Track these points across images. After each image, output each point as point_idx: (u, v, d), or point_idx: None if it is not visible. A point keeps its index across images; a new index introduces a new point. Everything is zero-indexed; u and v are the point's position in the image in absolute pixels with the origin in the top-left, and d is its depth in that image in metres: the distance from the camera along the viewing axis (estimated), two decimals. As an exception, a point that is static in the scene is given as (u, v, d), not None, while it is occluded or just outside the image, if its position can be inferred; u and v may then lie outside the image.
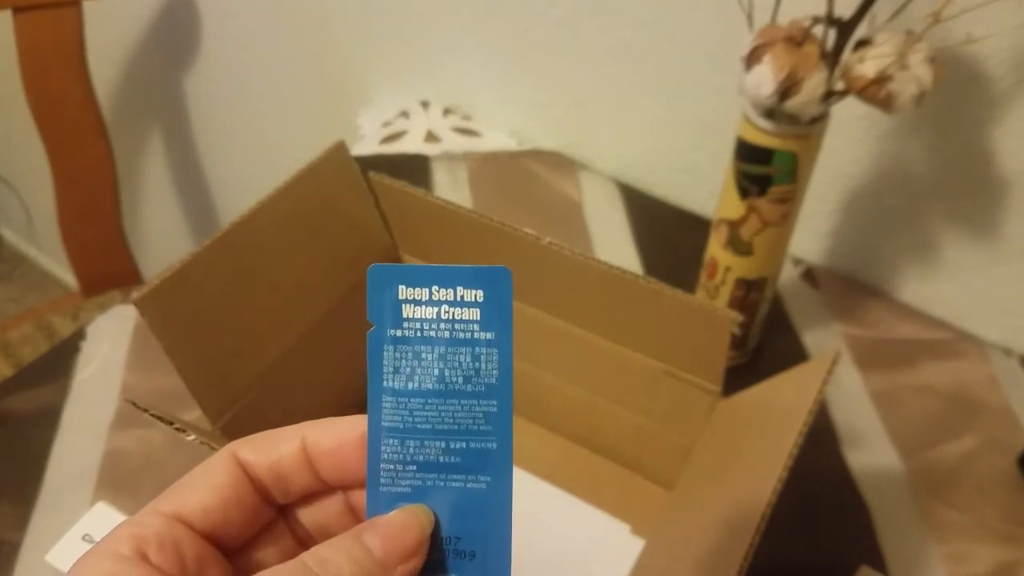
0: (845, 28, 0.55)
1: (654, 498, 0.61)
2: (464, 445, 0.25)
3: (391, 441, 0.26)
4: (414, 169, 0.89)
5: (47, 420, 0.66)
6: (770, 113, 0.56)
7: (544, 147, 0.93)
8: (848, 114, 0.71)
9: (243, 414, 0.53)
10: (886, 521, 0.61)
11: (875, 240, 0.77)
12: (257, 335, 0.54)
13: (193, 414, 0.63)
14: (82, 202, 1.13)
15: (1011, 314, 0.74)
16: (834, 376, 0.70)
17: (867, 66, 0.53)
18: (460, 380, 0.26)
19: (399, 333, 0.26)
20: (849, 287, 0.78)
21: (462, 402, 0.26)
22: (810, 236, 0.80)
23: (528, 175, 0.89)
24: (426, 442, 0.25)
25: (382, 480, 0.25)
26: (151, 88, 1.30)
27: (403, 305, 0.26)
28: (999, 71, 0.64)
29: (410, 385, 0.26)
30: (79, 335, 0.72)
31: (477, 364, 0.26)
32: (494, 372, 0.26)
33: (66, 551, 0.48)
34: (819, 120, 0.57)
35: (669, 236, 0.82)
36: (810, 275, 0.79)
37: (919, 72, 0.53)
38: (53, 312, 1.13)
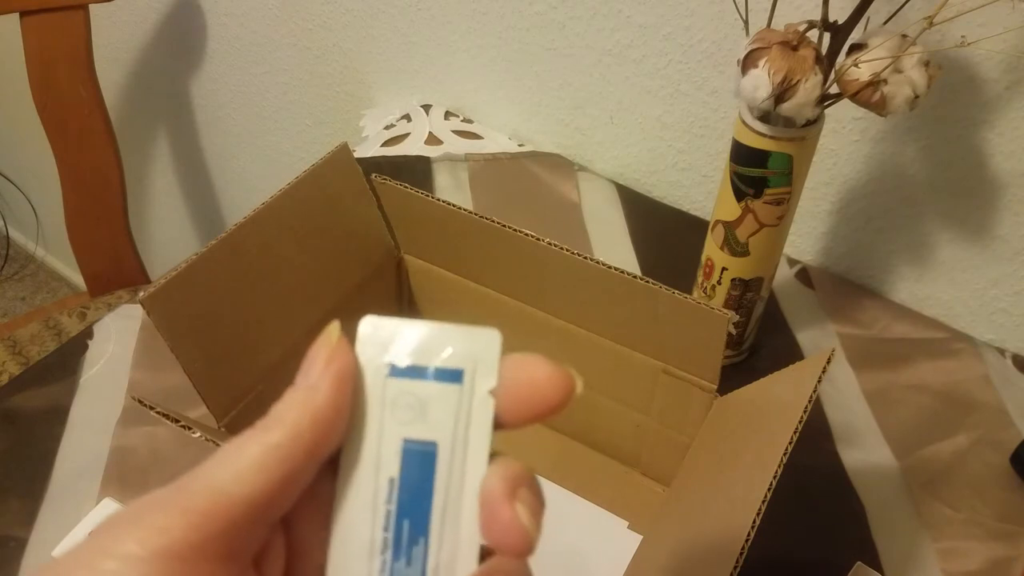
0: (840, 32, 0.56)
1: (651, 494, 0.62)
2: None
3: None
4: (416, 171, 0.89)
5: (55, 417, 0.66)
6: (765, 116, 0.57)
7: (544, 149, 0.94)
8: (844, 116, 0.72)
9: (248, 412, 0.54)
10: (880, 518, 0.62)
11: (870, 240, 0.78)
12: (261, 334, 0.54)
13: (198, 412, 0.64)
14: (89, 203, 1.14)
15: (1004, 314, 0.74)
16: (829, 375, 0.71)
17: (861, 69, 0.54)
18: None
19: None
20: (844, 287, 0.79)
21: None
22: (806, 236, 0.81)
23: (528, 176, 0.90)
24: None
25: None
26: (157, 90, 1.31)
27: None
28: (993, 74, 0.65)
29: None
30: (86, 334, 0.73)
31: None
32: None
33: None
34: (814, 123, 0.58)
35: (666, 237, 0.83)
36: (805, 275, 0.80)
37: (913, 75, 0.54)
38: (61, 311, 1.14)
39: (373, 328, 0.24)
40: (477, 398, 0.24)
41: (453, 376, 0.24)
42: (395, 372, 0.24)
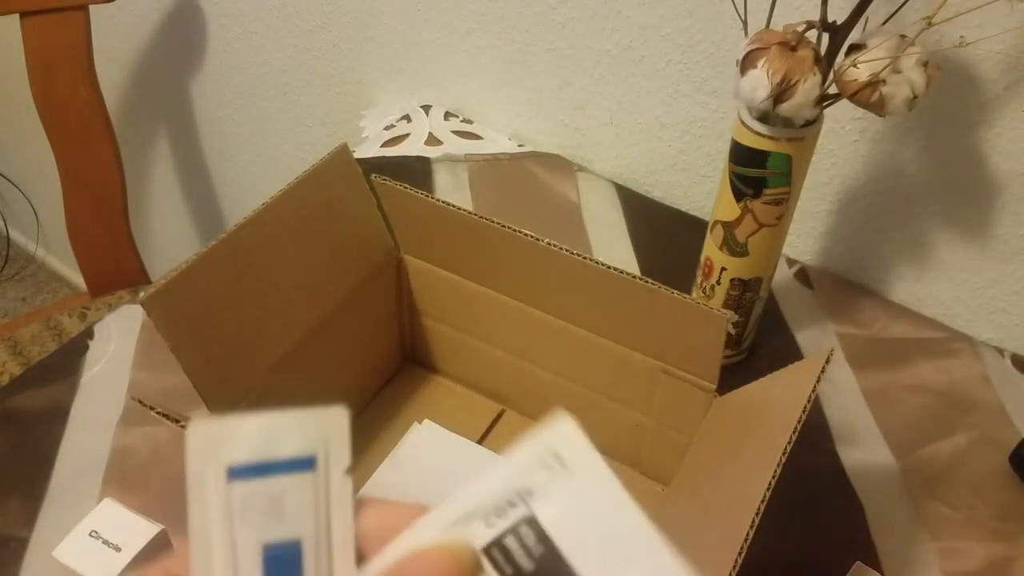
0: (839, 32, 0.56)
1: (651, 494, 0.62)
2: None
3: None
4: (416, 171, 0.90)
5: (55, 417, 0.67)
6: (764, 116, 0.57)
7: (543, 149, 0.94)
8: (843, 116, 0.72)
9: (248, 412, 0.54)
10: (880, 518, 0.62)
11: (869, 240, 0.78)
12: (261, 335, 0.55)
13: (198, 412, 0.64)
14: (90, 203, 1.14)
15: (1003, 313, 0.74)
16: (828, 374, 0.71)
17: (860, 70, 0.54)
18: None
19: None
20: (843, 287, 0.79)
21: None
22: (805, 236, 0.81)
23: (528, 177, 0.90)
24: None
25: None
26: (157, 90, 1.32)
27: None
28: (992, 74, 0.65)
29: None
30: (87, 334, 0.73)
31: None
32: None
33: (73, 547, 0.49)
34: (813, 123, 0.58)
35: (666, 237, 0.83)
36: (804, 275, 0.80)
37: (912, 76, 0.54)
38: (61, 311, 1.14)
39: (203, 431, 0.22)
40: (334, 481, 0.22)
41: (304, 464, 0.22)
42: (237, 474, 0.22)
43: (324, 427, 0.22)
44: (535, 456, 0.22)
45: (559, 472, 0.22)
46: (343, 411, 0.22)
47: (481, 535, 0.21)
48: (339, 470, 0.22)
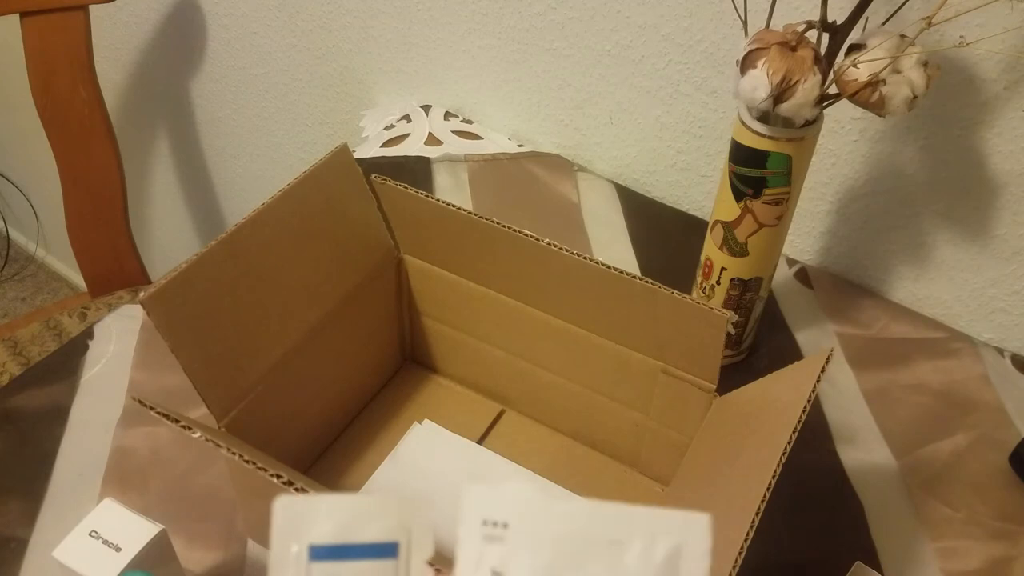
0: (838, 32, 0.56)
1: (651, 494, 0.62)
2: None
3: None
4: (416, 171, 0.90)
5: (55, 418, 0.67)
6: (764, 116, 0.57)
7: (543, 149, 0.94)
8: (842, 116, 0.72)
9: (248, 412, 0.54)
10: (880, 518, 0.62)
11: (869, 240, 0.78)
12: (261, 335, 0.55)
13: (199, 412, 0.64)
14: (90, 203, 1.14)
15: (1003, 313, 0.74)
16: (828, 374, 0.71)
17: (860, 70, 0.54)
18: None
19: None
20: (843, 287, 0.79)
21: None
22: (805, 236, 0.81)
23: (528, 177, 0.90)
24: None
25: None
26: (157, 90, 1.32)
27: None
28: (992, 74, 0.65)
29: None
30: (87, 334, 0.73)
31: None
32: None
33: (73, 547, 0.49)
34: (813, 123, 0.58)
35: (666, 237, 0.83)
36: (804, 275, 0.80)
37: (912, 75, 0.54)
38: (61, 311, 1.14)
39: (290, 507, 0.22)
40: (415, 570, 0.22)
41: (386, 550, 0.22)
42: (319, 554, 0.22)
43: (408, 514, 0.22)
44: (478, 538, 0.21)
45: (504, 533, 0.22)
46: (426, 503, 0.22)
47: None
48: (420, 560, 0.22)
